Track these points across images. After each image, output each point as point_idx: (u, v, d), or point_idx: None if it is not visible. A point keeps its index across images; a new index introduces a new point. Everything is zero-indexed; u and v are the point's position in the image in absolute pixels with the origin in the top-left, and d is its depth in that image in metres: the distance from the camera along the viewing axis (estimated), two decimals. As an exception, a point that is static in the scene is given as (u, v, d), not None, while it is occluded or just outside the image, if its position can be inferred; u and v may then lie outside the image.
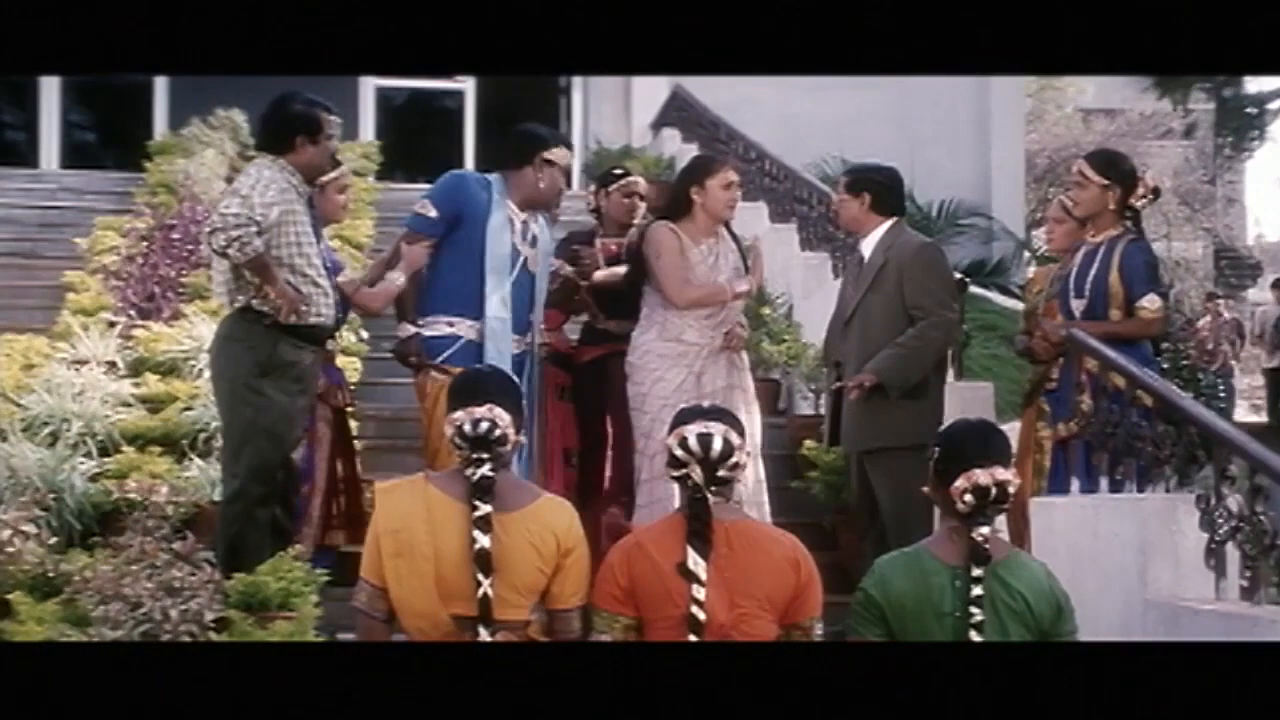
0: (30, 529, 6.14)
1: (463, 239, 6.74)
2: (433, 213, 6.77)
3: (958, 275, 8.49)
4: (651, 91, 16.40)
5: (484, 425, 4.41)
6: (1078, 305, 6.99)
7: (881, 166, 7.57)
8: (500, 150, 7.08)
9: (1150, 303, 6.86)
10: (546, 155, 6.85)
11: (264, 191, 6.16)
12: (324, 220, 7.11)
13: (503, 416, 4.44)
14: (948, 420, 7.19)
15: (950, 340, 7.70)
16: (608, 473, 7.55)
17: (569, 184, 7.11)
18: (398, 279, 6.78)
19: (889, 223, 7.31)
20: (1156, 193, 7.17)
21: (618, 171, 8.16)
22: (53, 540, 6.27)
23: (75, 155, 17.39)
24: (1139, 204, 7.05)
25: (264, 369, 6.20)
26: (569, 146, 7.08)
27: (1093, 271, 6.95)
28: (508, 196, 6.83)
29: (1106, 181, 6.98)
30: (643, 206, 7.89)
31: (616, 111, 17.14)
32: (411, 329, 6.75)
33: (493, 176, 6.92)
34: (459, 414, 4.45)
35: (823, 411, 8.30)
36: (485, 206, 6.76)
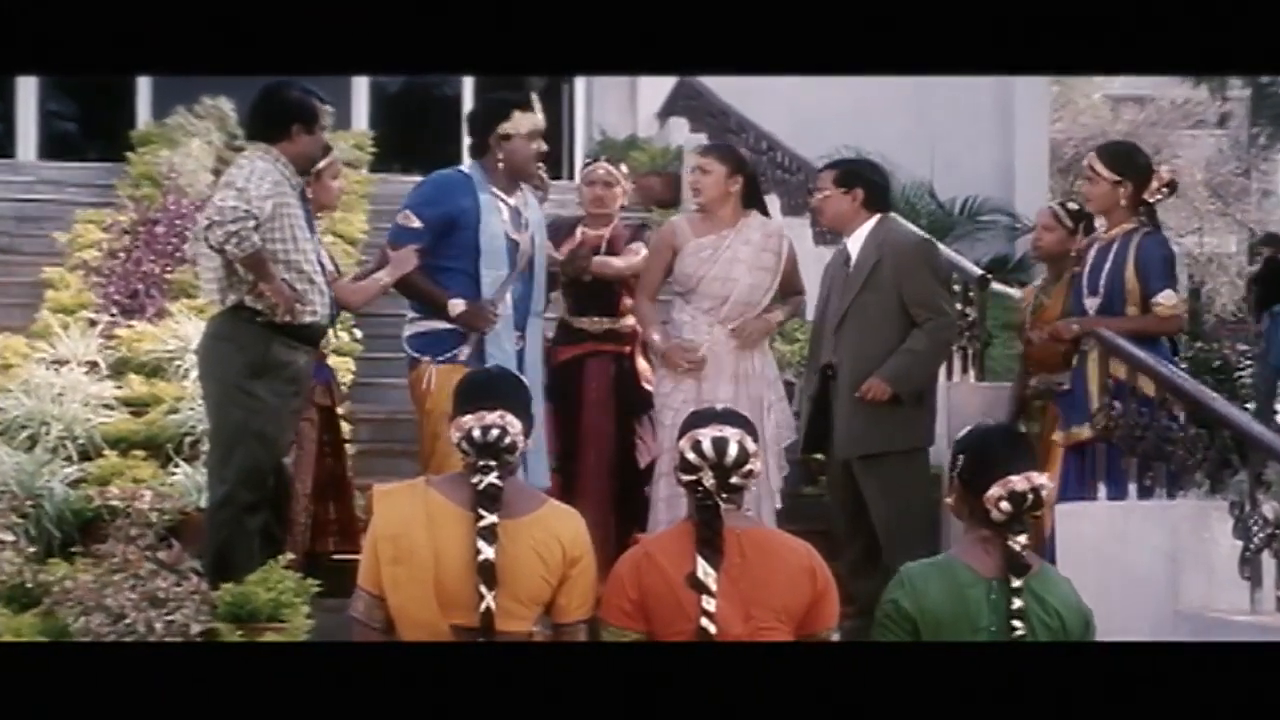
0: (7, 537, 6.18)
1: (455, 242, 6.72)
2: (416, 223, 6.74)
3: (979, 272, 8.53)
4: (659, 79, 16.37)
5: (494, 432, 4.39)
6: (1091, 303, 7.02)
7: (869, 161, 7.65)
8: (469, 138, 7.06)
9: (1167, 299, 6.89)
10: (500, 132, 6.83)
11: (259, 184, 6.17)
12: (319, 208, 7.13)
13: (514, 424, 4.43)
14: (957, 421, 7.27)
15: (955, 339, 7.79)
16: (585, 476, 7.52)
17: (544, 139, 7.00)
18: (382, 278, 6.79)
19: (875, 219, 7.36)
20: (1172, 186, 7.20)
21: (586, 160, 8.22)
22: (31, 549, 6.30)
23: (54, 146, 17.35)
24: (1153, 199, 7.06)
25: (255, 370, 6.21)
26: (523, 106, 6.91)
27: (1107, 267, 6.97)
28: (490, 184, 6.82)
29: (1118, 177, 7.02)
30: (609, 194, 7.83)
31: (622, 100, 17.09)
32: (460, 300, 6.68)
33: (469, 167, 6.91)
34: (468, 418, 4.43)
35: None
36: (472, 204, 6.74)
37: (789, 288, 7.49)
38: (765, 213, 7.50)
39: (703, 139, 13.94)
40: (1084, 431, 6.92)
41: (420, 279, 6.75)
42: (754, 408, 6.94)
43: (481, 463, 4.37)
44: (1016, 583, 4.25)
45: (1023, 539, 4.28)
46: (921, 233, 7.90)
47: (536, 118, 6.88)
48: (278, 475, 6.39)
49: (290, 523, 6.67)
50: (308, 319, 6.29)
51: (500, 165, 6.81)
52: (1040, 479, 4.34)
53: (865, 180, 7.37)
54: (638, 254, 7.62)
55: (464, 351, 6.65)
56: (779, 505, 7.17)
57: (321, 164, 6.96)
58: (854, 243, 7.35)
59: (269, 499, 6.32)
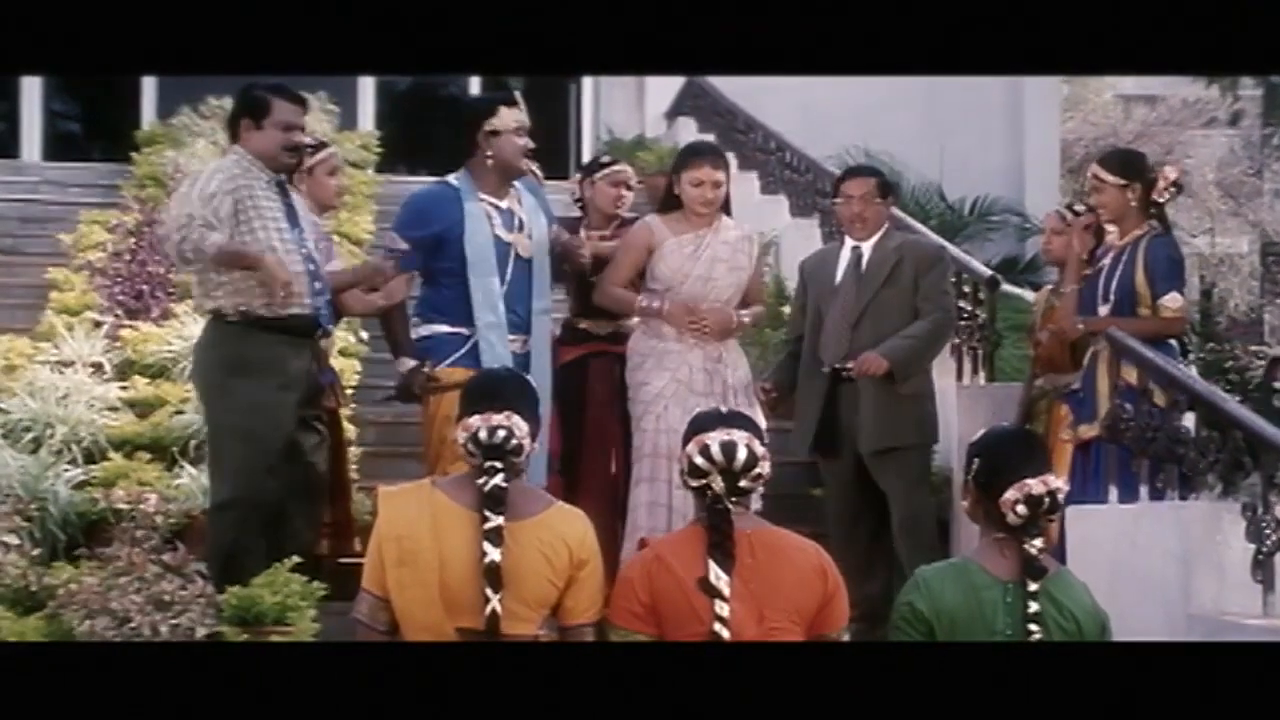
0: (12, 540, 6.19)
1: (445, 253, 6.72)
2: (402, 245, 6.75)
3: (988, 273, 8.57)
4: (666, 78, 16.38)
5: (500, 434, 4.40)
6: (1104, 310, 7.08)
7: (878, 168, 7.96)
8: (455, 144, 7.05)
9: (1172, 301, 6.96)
10: (487, 129, 6.80)
11: (206, 184, 6.25)
12: (320, 206, 7.14)
13: (520, 425, 4.43)
14: (967, 423, 7.34)
15: (949, 339, 8.05)
16: (589, 478, 7.50)
17: (530, 139, 6.98)
18: (378, 300, 6.82)
19: (887, 223, 7.65)
20: (1178, 186, 7.25)
21: (605, 160, 8.22)
22: (36, 552, 6.31)
23: (59, 146, 17.37)
24: (1162, 199, 7.12)
25: (232, 368, 6.27)
26: (509, 102, 6.89)
27: (1118, 273, 7.04)
28: (478, 190, 6.80)
29: (1124, 181, 7.10)
30: (629, 196, 7.87)
31: (629, 99, 17.09)
32: (411, 362, 6.72)
33: (457, 177, 6.89)
34: (474, 419, 4.43)
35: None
36: (457, 216, 6.73)
37: (754, 297, 7.44)
38: (729, 213, 7.47)
39: (710, 139, 13.94)
40: (1092, 430, 6.97)
41: (399, 322, 6.83)
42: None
43: (487, 464, 4.38)
44: (1033, 586, 4.25)
45: (1039, 542, 4.29)
46: (939, 240, 8.22)
47: (521, 114, 6.87)
48: (299, 475, 6.42)
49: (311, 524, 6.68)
50: (295, 309, 6.30)
51: (490, 163, 6.80)
52: (1056, 482, 4.35)
53: (893, 188, 7.81)
54: None
55: (470, 355, 6.64)
56: (759, 507, 7.12)
57: (315, 159, 6.98)
58: (867, 244, 7.54)
59: (269, 499, 6.31)
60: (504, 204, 6.84)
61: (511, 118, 6.82)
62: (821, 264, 7.76)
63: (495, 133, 6.79)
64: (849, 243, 7.56)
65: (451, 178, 6.91)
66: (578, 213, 8.09)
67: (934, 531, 7.43)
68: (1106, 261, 7.17)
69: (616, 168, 8.01)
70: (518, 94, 6.93)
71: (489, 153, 6.78)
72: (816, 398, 7.46)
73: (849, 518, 7.42)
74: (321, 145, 7.27)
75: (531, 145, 6.95)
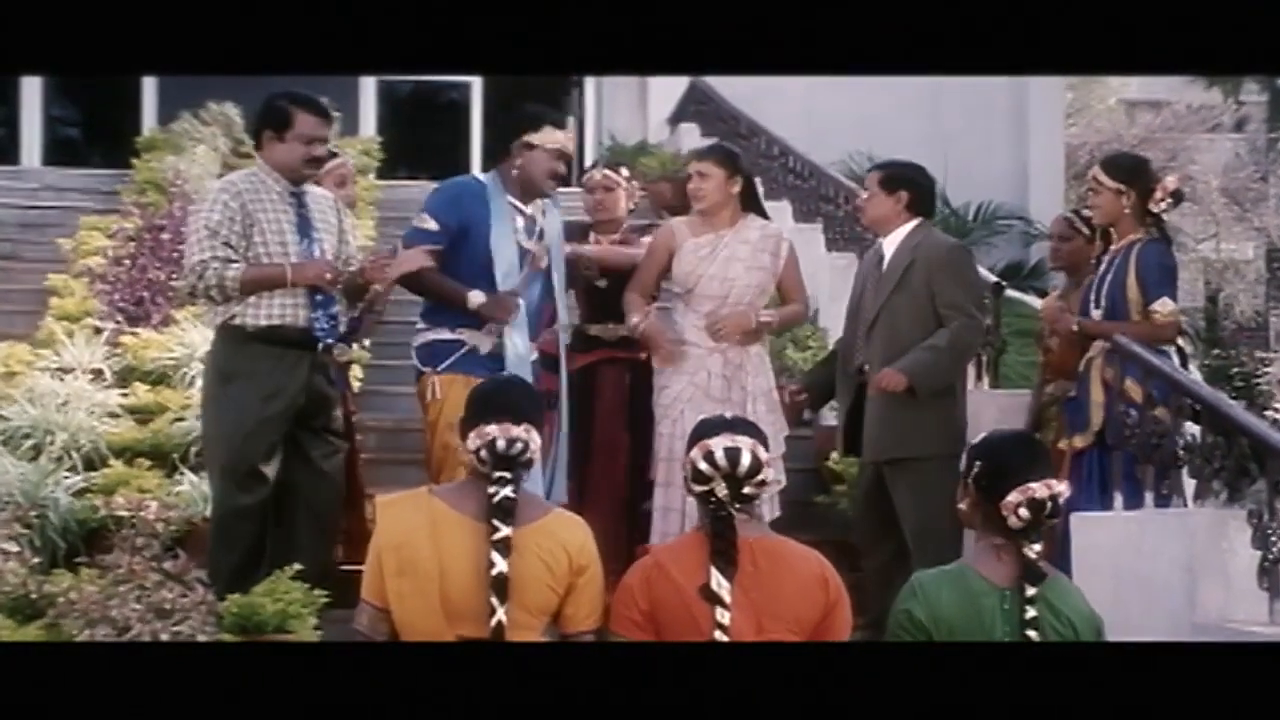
0: (11, 548, 6.18)
1: (467, 249, 6.73)
2: (433, 225, 6.73)
3: (993, 278, 8.53)
4: (669, 83, 16.37)
5: (518, 445, 4.39)
6: (1096, 315, 7.05)
7: (916, 164, 7.60)
8: (492, 139, 7.10)
9: (1163, 306, 6.94)
10: (526, 140, 6.81)
11: (209, 215, 6.34)
12: None
13: (535, 438, 4.44)
14: (973, 429, 7.26)
15: (979, 345, 7.77)
16: (596, 484, 7.50)
17: (566, 164, 7.01)
18: (399, 270, 6.81)
19: (915, 222, 7.36)
20: (1177, 196, 7.18)
21: (588, 168, 8.25)
22: (35, 560, 6.31)
23: (58, 151, 17.40)
24: (1157, 208, 7.07)
25: (223, 377, 6.38)
26: (557, 125, 6.93)
27: (1109, 278, 7.02)
28: (506, 192, 6.82)
29: (1119, 186, 7.07)
30: (612, 198, 7.81)
31: (632, 104, 17.09)
32: (480, 293, 6.66)
33: (486, 175, 6.91)
34: (492, 428, 4.41)
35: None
36: (485, 212, 6.75)
37: (788, 296, 7.43)
38: (764, 215, 7.47)
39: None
40: (1083, 439, 6.97)
41: (436, 277, 6.74)
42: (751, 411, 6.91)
43: (498, 474, 4.37)
44: (1031, 591, 4.25)
45: (1038, 547, 4.29)
46: (957, 240, 7.94)
47: (565, 139, 6.88)
48: (303, 484, 6.44)
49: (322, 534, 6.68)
50: (287, 320, 6.34)
51: (516, 173, 6.81)
52: (1059, 486, 4.35)
53: (911, 183, 7.37)
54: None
55: (468, 360, 6.63)
56: (778, 513, 7.12)
57: (324, 169, 6.98)
58: (889, 244, 7.34)
59: (252, 508, 6.32)
60: (529, 210, 6.86)
61: (552, 139, 6.82)
62: (863, 264, 7.69)
63: (531, 146, 6.80)
64: (880, 240, 7.49)
65: (480, 175, 6.94)
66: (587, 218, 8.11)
67: (949, 545, 7.04)
68: (1102, 267, 7.15)
69: (586, 174, 8.07)
70: (571, 120, 6.96)
71: (518, 162, 6.80)
72: (845, 400, 7.40)
73: (871, 523, 7.23)
74: (332, 155, 7.29)
75: (563, 172, 6.98)
